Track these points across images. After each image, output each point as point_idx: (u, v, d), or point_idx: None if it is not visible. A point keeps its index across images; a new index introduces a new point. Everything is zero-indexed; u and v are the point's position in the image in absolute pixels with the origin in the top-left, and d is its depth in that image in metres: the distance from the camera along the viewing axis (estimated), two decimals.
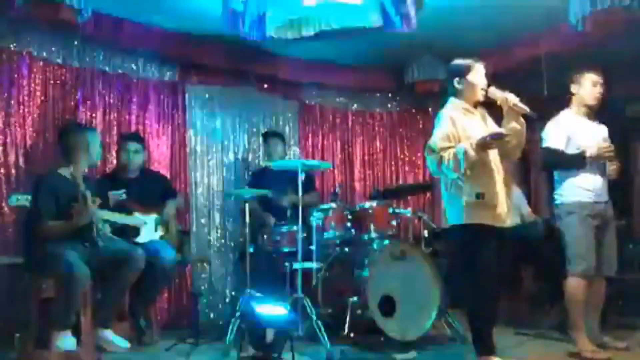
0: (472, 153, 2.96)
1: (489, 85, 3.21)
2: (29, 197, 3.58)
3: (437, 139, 3.12)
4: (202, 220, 5.15)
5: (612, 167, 3.63)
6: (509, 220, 3.20)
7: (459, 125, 3.13)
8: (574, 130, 3.58)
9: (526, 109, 3.08)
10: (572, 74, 3.69)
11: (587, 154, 3.49)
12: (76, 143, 3.64)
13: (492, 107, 3.29)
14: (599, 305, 3.63)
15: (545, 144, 3.64)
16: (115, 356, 3.64)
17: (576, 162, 3.53)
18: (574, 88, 3.67)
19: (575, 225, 3.50)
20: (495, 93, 3.15)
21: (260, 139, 5.41)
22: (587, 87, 3.63)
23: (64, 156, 3.63)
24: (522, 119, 3.13)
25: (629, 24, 3.97)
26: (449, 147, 3.06)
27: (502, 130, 3.10)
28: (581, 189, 3.53)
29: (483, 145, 2.99)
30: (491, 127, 3.26)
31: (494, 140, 3.00)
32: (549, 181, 5.75)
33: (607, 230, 3.59)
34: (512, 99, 3.09)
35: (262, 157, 5.36)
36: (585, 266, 3.44)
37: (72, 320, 3.38)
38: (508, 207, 3.18)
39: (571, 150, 3.57)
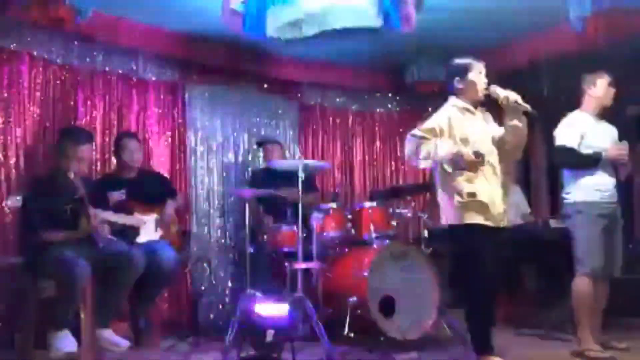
0: (444, 160, 3.04)
1: (489, 84, 3.21)
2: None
3: (424, 127, 3.15)
4: (202, 220, 5.15)
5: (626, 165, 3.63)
6: (505, 220, 3.20)
7: (457, 125, 3.13)
8: (587, 129, 3.59)
9: (527, 106, 3.09)
10: (585, 74, 3.69)
11: (603, 155, 3.49)
12: (74, 153, 3.65)
13: (493, 109, 3.30)
14: (601, 305, 3.63)
15: (558, 143, 3.64)
16: (115, 356, 3.64)
17: (591, 162, 3.53)
18: (589, 89, 3.67)
19: (585, 225, 3.50)
20: (497, 91, 3.15)
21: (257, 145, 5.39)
22: (604, 88, 3.64)
23: (61, 162, 3.64)
24: (523, 117, 3.13)
25: (629, 24, 3.97)
26: (430, 139, 3.08)
27: (483, 152, 3.10)
28: (592, 189, 3.52)
29: (456, 164, 3.04)
30: (492, 127, 3.27)
31: (468, 161, 3.02)
32: (549, 181, 5.77)
33: (615, 231, 3.60)
34: (514, 96, 3.09)
35: (261, 162, 5.33)
36: (594, 266, 3.44)
37: (71, 320, 3.39)
38: (505, 207, 3.19)
39: (583, 149, 3.57)
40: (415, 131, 3.16)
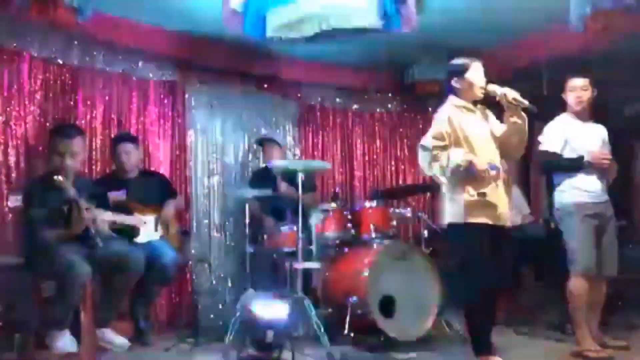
0: (461, 169, 3.01)
1: (487, 83, 3.22)
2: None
3: (431, 137, 3.14)
4: (202, 220, 5.15)
5: (610, 169, 3.64)
6: (509, 220, 3.21)
7: (457, 124, 3.14)
8: (571, 133, 3.61)
9: (526, 102, 3.09)
10: (564, 80, 3.72)
11: (585, 159, 3.51)
12: (65, 148, 3.62)
13: (493, 107, 3.30)
14: (599, 305, 3.64)
15: (542, 147, 3.66)
16: (115, 356, 3.64)
17: (574, 167, 3.55)
18: (563, 95, 3.71)
19: (575, 226, 3.52)
20: (494, 89, 3.16)
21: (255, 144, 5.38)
22: (569, 92, 3.67)
23: (53, 159, 3.64)
24: (523, 114, 3.14)
25: (629, 24, 3.97)
26: (443, 147, 3.08)
27: (497, 164, 3.12)
28: (580, 190, 3.55)
29: (474, 171, 3.03)
30: (493, 125, 3.27)
31: (480, 170, 3.02)
32: (548, 182, 5.78)
33: (607, 230, 3.61)
34: (511, 93, 3.10)
35: (261, 161, 5.34)
36: (586, 266, 3.46)
37: (70, 320, 3.38)
38: (509, 207, 3.19)
39: (568, 153, 3.59)
40: (426, 142, 3.14)
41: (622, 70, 4.56)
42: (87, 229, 3.55)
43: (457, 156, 3.03)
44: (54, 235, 3.46)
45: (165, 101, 5.03)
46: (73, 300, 3.35)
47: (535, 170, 6.27)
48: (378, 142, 6.18)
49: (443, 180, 3.14)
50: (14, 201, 3.62)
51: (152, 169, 4.78)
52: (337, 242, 4.41)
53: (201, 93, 5.23)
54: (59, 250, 3.42)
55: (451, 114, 3.18)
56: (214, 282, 5.07)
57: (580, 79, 3.67)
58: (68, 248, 3.46)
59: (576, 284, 3.49)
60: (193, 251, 5.01)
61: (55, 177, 3.37)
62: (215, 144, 5.29)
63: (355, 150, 6.07)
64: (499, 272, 3.10)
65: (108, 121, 4.66)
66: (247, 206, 4.21)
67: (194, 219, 5.09)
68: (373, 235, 4.21)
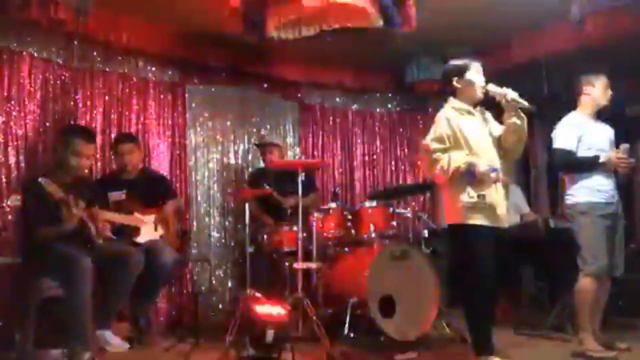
0: (461, 171, 3.01)
1: (487, 83, 3.21)
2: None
3: (431, 140, 3.14)
4: (202, 220, 5.15)
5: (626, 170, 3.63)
6: (507, 221, 3.21)
7: (455, 126, 3.14)
8: (585, 130, 3.59)
9: (525, 103, 3.09)
10: (583, 75, 3.69)
11: (601, 160, 3.49)
12: (86, 150, 3.66)
13: (492, 108, 3.30)
14: (602, 305, 3.63)
15: (556, 145, 3.63)
16: (115, 356, 3.64)
17: (589, 166, 3.54)
18: (587, 89, 3.67)
19: (588, 226, 3.50)
20: (494, 89, 3.16)
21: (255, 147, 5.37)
22: (601, 89, 3.64)
23: (69, 158, 3.64)
24: (522, 114, 3.13)
25: (629, 23, 3.97)
26: (444, 149, 3.09)
27: (497, 167, 3.11)
28: (594, 190, 3.53)
29: (475, 173, 3.02)
30: (493, 127, 3.27)
31: (482, 172, 3.02)
32: (549, 181, 5.76)
33: (617, 231, 3.60)
34: (511, 94, 3.10)
35: (261, 164, 5.33)
36: (599, 266, 3.45)
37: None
38: (507, 208, 3.20)
39: (582, 150, 3.57)
40: (427, 144, 3.16)
41: (623, 69, 4.55)
42: (87, 229, 3.54)
43: (458, 159, 3.04)
44: (49, 232, 3.45)
45: (165, 101, 5.03)
46: (85, 296, 3.32)
47: (536, 170, 6.27)
48: (378, 142, 6.19)
49: (444, 182, 3.14)
50: (14, 200, 3.62)
51: (152, 169, 4.77)
52: (337, 242, 4.41)
53: (201, 93, 5.23)
54: (63, 249, 3.41)
55: (450, 116, 3.18)
56: (214, 282, 5.08)
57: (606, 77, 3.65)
58: (68, 246, 3.45)
59: (585, 283, 3.47)
60: (193, 251, 5.00)
61: (39, 179, 3.35)
62: (215, 144, 5.29)
63: (355, 150, 6.07)
64: (498, 272, 3.10)
65: (108, 121, 4.66)
66: (247, 206, 4.21)
67: (194, 219, 5.09)
68: (373, 235, 4.21)
